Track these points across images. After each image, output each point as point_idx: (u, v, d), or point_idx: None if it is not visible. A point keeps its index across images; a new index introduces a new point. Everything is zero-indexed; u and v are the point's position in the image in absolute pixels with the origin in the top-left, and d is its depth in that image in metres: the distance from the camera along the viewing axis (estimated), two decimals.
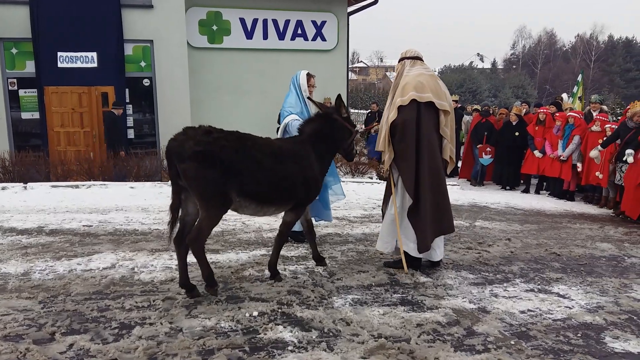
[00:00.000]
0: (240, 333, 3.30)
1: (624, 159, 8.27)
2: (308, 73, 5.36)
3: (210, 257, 4.88)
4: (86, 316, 3.52)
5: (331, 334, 3.34)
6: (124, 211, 7.25)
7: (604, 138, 9.07)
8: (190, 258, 3.87)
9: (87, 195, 8.25)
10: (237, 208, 3.98)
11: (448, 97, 4.62)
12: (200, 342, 3.14)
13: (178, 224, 3.89)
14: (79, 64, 11.30)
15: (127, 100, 11.72)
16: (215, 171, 3.64)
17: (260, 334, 3.30)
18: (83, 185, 8.71)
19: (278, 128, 5.32)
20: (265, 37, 13.74)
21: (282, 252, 5.14)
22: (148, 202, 7.97)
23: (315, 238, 4.81)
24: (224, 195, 3.73)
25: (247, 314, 3.57)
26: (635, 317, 3.83)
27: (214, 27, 13.35)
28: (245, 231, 6.13)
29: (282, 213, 4.44)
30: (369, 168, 11.50)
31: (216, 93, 13.45)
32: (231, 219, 6.32)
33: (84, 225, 6.29)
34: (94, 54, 11.32)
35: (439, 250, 4.71)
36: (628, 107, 9.27)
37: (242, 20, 13.52)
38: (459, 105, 13.97)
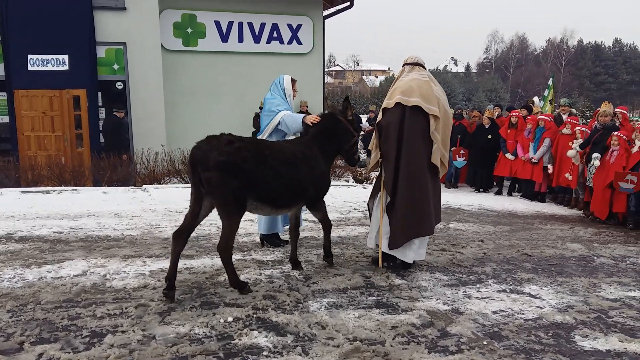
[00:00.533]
0: (214, 339, 3.28)
1: (591, 162, 8.49)
2: (291, 78, 5.43)
3: (185, 263, 4.84)
4: (56, 325, 3.44)
5: (306, 338, 3.34)
6: (96, 217, 7.12)
7: (574, 140, 9.30)
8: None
9: (58, 201, 8.07)
10: (252, 210, 4.20)
11: (443, 103, 4.65)
12: (174, 349, 3.10)
13: (184, 223, 3.98)
14: (50, 67, 11.05)
15: (100, 104, 11.52)
16: (237, 180, 3.83)
17: (235, 339, 3.28)
18: (54, 191, 8.51)
19: (254, 131, 5.33)
20: (240, 40, 13.68)
21: (257, 257, 5.17)
22: (121, 207, 7.84)
23: (298, 237, 4.83)
24: (241, 201, 3.96)
25: (222, 320, 3.54)
26: (603, 316, 3.93)
27: (189, 30, 13.24)
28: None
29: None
30: (345, 171, 11.54)
31: (191, 96, 13.32)
32: (206, 224, 6.26)
33: (54, 232, 6.16)
34: (66, 57, 11.09)
35: (414, 252, 4.73)
36: (598, 109, 9.51)
37: (217, 23, 13.44)
38: None
